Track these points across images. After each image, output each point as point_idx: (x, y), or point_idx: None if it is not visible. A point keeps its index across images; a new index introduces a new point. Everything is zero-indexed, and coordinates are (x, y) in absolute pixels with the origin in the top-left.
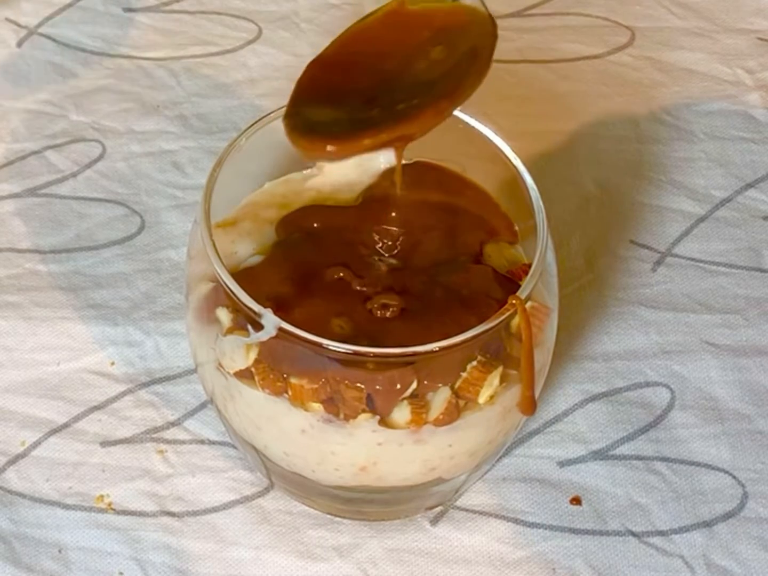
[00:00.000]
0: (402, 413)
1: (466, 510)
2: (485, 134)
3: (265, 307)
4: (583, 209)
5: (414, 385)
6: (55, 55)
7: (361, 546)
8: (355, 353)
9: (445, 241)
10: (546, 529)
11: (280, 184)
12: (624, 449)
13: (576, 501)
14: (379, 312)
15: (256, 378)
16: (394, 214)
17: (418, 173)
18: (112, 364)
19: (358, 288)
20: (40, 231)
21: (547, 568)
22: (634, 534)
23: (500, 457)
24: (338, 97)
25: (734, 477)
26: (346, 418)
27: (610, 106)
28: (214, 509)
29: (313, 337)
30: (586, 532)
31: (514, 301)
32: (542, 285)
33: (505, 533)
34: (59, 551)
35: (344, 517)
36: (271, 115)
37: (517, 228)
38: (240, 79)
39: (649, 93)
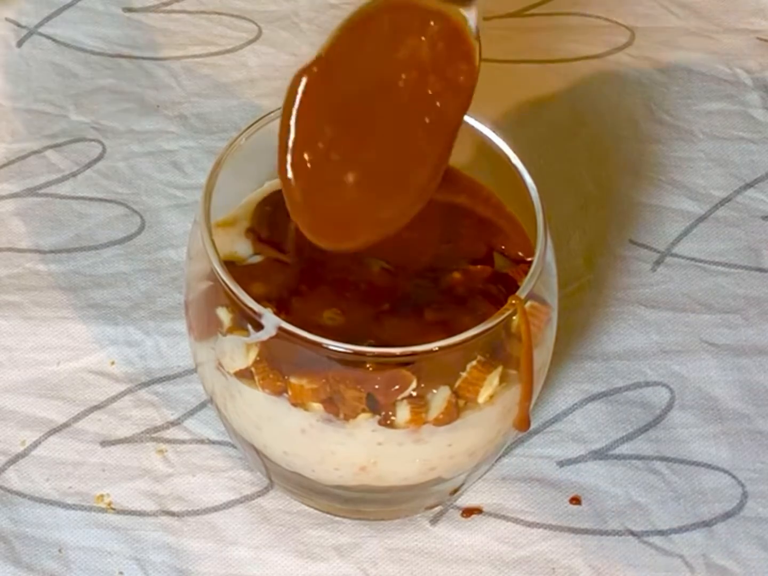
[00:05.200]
0: (402, 413)
1: (466, 509)
2: (485, 134)
3: (265, 306)
4: (583, 209)
5: (414, 385)
6: (55, 55)
7: (361, 545)
8: (355, 353)
9: (445, 241)
10: (546, 528)
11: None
12: (623, 449)
13: (575, 501)
14: None
15: (256, 378)
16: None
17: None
18: (112, 363)
19: (351, 282)
20: (40, 231)
21: (547, 567)
22: (633, 534)
23: (500, 457)
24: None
25: (734, 477)
26: (346, 418)
27: (610, 106)
28: (214, 509)
29: (313, 337)
30: (586, 531)
31: (513, 301)
32: (542, 285)
33: (505, 533)
34: (59, 551)
35: (344, 517)
36: (271, 114)
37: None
38: (240, 79)
39: (649, 93)
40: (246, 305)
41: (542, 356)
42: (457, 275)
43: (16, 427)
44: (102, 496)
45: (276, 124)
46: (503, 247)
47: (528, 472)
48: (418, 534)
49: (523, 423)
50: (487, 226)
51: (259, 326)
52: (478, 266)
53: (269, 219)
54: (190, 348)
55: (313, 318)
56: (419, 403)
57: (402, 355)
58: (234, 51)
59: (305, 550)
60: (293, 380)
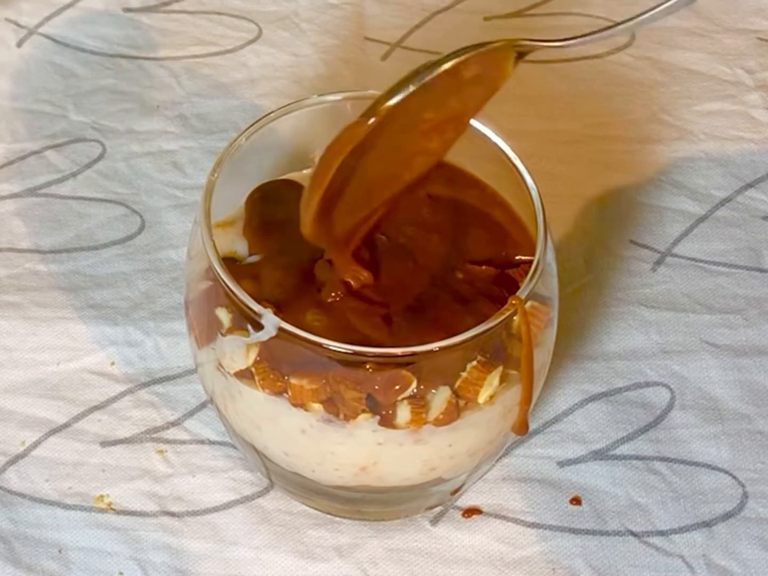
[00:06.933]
0: (402, 413)
1: (467, 510)
2: (485, 134)
3: (265, 307)
4: (583, 209)
5: (414, 385)
6: (55, 55)
7: (361, 546)
8: (355, 353)
9: (447, 242)
10: (546, 529)
11: None
12: (624, 449)
13: (576, 501)
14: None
15: (256, 378)
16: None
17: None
18: (112, 364)
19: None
20: (40, 231)
21: (547, 568)
22: (634, 534)
23: (500, 457)
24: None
25: (734, 477)
26: (346, 419)
27: (610, 106)
28: (214, 509)
29: (313, 337)
30: (586, 532)
31: (514, 302)
32: (542, 285)
33: (505, 533)
34: (59, 551)
35: (344, 517)
36: (271, 115)
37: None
38: (240, 79)
39: (649, 93)
40: (246, 305)
41: (542, 356)
42: (460, 275)
43: (16, 427)
44: (102, 496)
45: (276, 124)
46: (507, 247)
47: (528, 473)
48: (418, 534)
49: (522, 427)
50: (492, 226)
51: (259, 326)
52: (482, 266)
53: (261, 206)
54: (190, 348)
55: (297, 318)
56: (419, 404)
57: (402, 355)
58: (234, 51)
59: (305, 551)
60: (293, 381)
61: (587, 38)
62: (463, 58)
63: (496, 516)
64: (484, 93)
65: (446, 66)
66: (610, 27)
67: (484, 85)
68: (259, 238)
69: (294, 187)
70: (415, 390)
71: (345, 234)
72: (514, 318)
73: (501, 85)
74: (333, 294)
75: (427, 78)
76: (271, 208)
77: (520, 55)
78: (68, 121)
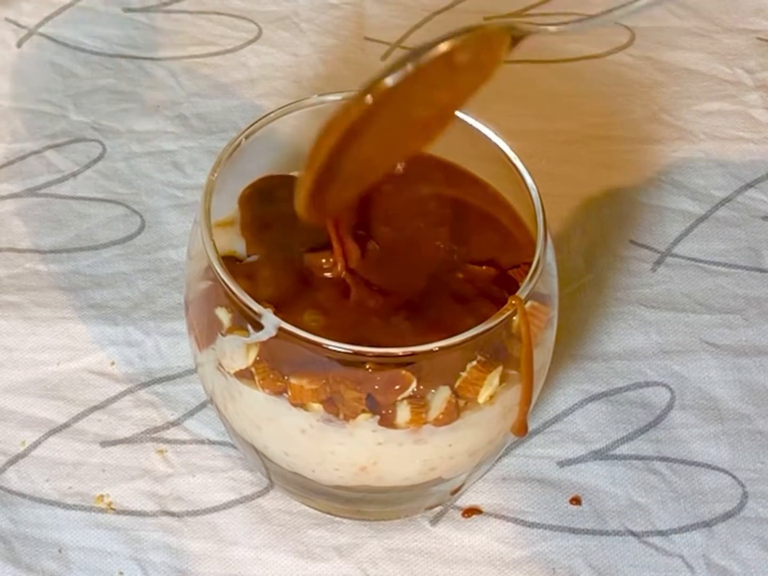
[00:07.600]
0: (402, 413)
1: (467, 510)
2: (485, 134)
3: (265, 307)
4: (583, 209)
5: (414, 385)
6: (55, 55)
7: (361, 546)
8: (355, 353)
9: (452, 240)
10: (546, 529)
11: None
12: (624, 449)
13: (576, 501)
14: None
15: (256, 378)
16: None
17: (428, 168)
18: (112, 364)
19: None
20: (40, 231)
21: (547, 568)
22: (634, 534)
23: (500, 457)
24: None
25: (734, 477)
26: (346, 418)
27: (610, 106)
28: (214, 509)
29: (313, 337)
30: (586, 532)
31: (514, 302)
32: (542, 285)
33: (505, 533)
34: (59, 551)
35: (344, 517)
36: (271, 115)
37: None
38: (240, 79)
39: (649, 93)
40: (246, 305)
41: (542, 356)
42: (460, 275)
43: (16, 427)
44: (102, 496)
45: (276, 124)
46: (508, 247)
47: (528, 473)
48: (418, 534)
49: (521, 428)
50: (494, 226)
51: (259, 326)
52: (483, 266)
53: (253, 203)
54: (190, 348)
55: (294, 318)
56: (419, 404)
57: (402, 355)
58: (234, 51)
59: (305, 551)
60: (293, 380)
61: (584, 23)
62: (459, 40)
63: (496, 516)
64: (475, 81)
65: (443, 48)
66: (606, 12)
67: (476, 73)
68: (256, 237)
69: (285, 181)
70: (415, 390)
71: (337, 212)
72: (514, 318)
73: (493, 73)
74: (330, 264)
75: (423, 60)
76: (263, 205)
77: (515, 41)
78: (68, 121)
